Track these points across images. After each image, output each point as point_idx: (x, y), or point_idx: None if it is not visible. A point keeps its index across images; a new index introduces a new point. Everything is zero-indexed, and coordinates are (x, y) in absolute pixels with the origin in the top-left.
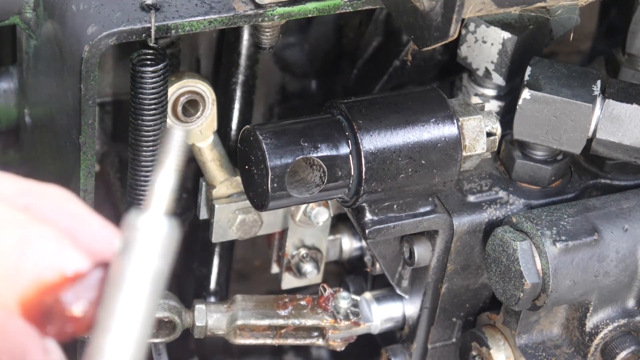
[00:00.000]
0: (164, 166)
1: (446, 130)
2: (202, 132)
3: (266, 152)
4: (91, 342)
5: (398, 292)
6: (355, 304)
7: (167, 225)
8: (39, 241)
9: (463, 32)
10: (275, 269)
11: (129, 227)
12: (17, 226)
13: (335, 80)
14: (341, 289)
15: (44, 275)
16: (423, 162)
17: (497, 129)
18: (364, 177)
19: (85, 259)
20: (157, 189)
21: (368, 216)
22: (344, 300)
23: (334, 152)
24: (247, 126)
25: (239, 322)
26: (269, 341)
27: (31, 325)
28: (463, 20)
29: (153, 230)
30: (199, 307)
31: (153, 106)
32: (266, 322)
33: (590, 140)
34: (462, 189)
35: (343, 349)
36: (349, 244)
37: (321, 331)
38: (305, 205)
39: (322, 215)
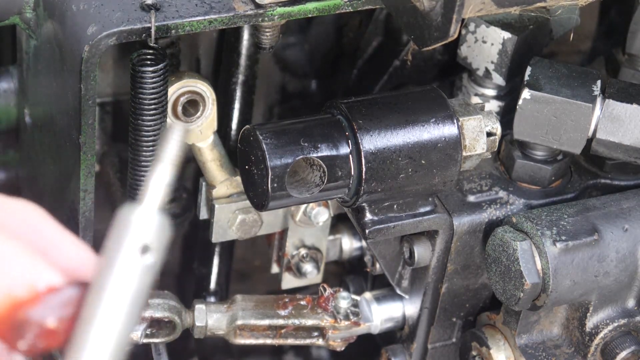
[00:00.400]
0: (161, 161)
1: (446, 130)
2: (202, 132)
3: (266, 152)
4: (75, 339)
5: (398, 292)
6: (355, 304)
7: (159, 220)
8: (10, 257)
9: (463, 32)
10: (275, 269)
11: (121, 221)
12: None
13: (335, 80)
14: (341, 289)
15: (15, 291)
16: (423, 162)
17: (497, 129)
18: (364, 177)
19: (58, 275)
20: (153, 184)
21: (368, 216)
22: (344, 300)
23: (334, 152)
24: (247, 126)
25: (239, 322)
26: (269, 341)
27: (1, 340)
28: (463, 20)
29: (145, 225)
30: (199, 307)
31: (153, 106)
32: (266, 322)
33: (590, 140)
34: (462, 189)
35: (343, 349)
36: (349, 244)
37: (321, 331)
38: (305, 205)
39: (322, 215)
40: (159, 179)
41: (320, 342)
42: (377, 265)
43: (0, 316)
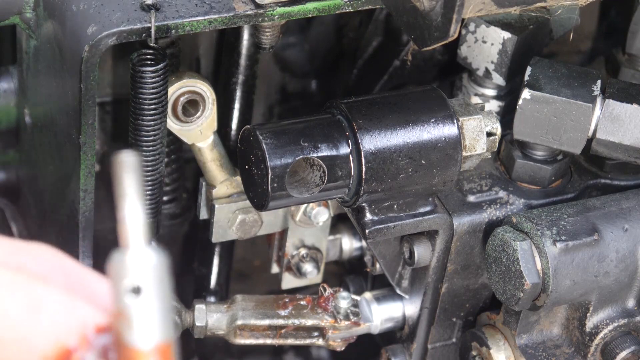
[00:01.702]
0: (126, 196)
1: (446, 130)
2: (202, 132)
3: (266, 152)
4: None
5: (398, 292)
6: (355, 304)
7: (154, 256)
8: (53, 304)
9: (463, 32)
10: (275, 269)
11: (119, 270)
12: (21, 289)
13: (335, 80)
14: (341, 289)
15: (66, 340)
16: (423, 162)
17: (497, 129)
18: (364, 177)
19: (101, 314)
20: (129, 222)
21: (368, 216)
22: (344, 300)
23: (334, 152)
24: (247, 126)
25: (239, 322)
26: (269, 341)
27: None
28: (463, 20)
29: (143, 267)
30: (199, 307)
31: (153, 106)
32: (266, 322)
33: (590, 140)
34: (462, 189)
35: (343, 349)
36: (349, 244)
37: (321, 331)
38: (305, 205)
39: (322, 215)
40: (132, 216)
41: (320, 342)
42: (377, 265)
43: None
